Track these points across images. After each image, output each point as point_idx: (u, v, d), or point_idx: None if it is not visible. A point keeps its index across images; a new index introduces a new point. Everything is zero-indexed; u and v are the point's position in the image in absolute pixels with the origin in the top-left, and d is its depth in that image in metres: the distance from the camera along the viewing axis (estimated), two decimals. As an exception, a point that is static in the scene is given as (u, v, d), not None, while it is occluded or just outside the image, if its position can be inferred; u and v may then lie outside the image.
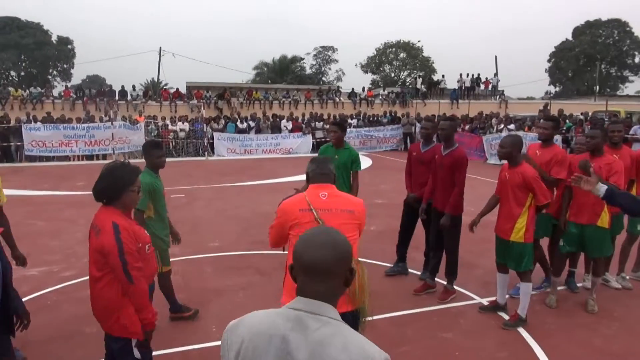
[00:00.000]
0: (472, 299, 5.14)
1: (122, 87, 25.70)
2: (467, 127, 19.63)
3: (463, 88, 30.43)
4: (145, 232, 2.87)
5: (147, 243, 2.77)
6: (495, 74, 31.98)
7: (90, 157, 17.84)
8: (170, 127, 19.26)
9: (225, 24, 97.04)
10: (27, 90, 25.03)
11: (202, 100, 25.63)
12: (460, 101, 29.43)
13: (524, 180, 4.27)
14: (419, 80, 32.07)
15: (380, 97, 29.74)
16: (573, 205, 4.80)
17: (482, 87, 31.22)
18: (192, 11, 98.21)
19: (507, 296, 4.81)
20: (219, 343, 3.50)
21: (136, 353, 2.70)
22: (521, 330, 4.36)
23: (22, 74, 45.77)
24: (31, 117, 18.47)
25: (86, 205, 8.06)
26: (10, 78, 44.61)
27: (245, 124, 20.38)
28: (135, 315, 2.66)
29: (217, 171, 14.89)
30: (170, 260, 5.42)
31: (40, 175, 13.90)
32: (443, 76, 33.70)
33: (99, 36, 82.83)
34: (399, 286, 5.56)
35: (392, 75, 56.80)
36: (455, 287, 5.24)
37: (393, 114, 24.14)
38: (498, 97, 31.11)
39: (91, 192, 2.75)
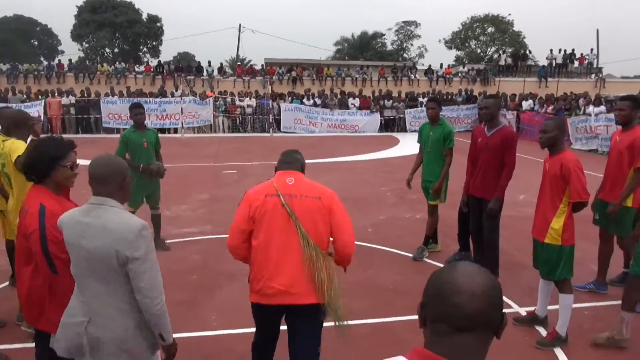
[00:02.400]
0: (510, 307, 4.44)
1: (199, 63, 26.37)
2: (550, 108, 17.86)
3: (554, 65, 27.84)
4: None
5: None
6: (592, 50, 28.87)
7: (162, 131, 18.49)
8: (237, 102, 19.41)
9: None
10: (113, 66, 26.45)
11: (273, 77, 25.67)
12: (550, 79, 26.98)
13: (561, 169, 3.55)
14: (503, 56, 29.77)
15: (460, 75, 28.06)
16: None
17: (577, 64, 28.39)
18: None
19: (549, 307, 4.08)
20: (215, 332, 3.79)
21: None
22: (558, 352, 3.65)
23: (116, 50, 48.58)
24: (109, 91, 19.42)
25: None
26: (105, 54, 47.55)
27: (311, 101, 20.05)
28: (62, 309, 2.26)
29: (276, 148, 14.60)
30: (199, 238, 6.19)
31: (114, 146, 14.54)
32: (530, 51, 31.09)
33: (186, 14, 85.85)
34: None
35: (479, 51, 53.64)
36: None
37: (469, 93, 22.63)
38: (594, 75, 28.18)
39: (22, 170, 2.53)
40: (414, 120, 19.47)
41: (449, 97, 22.35)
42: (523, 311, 4.30)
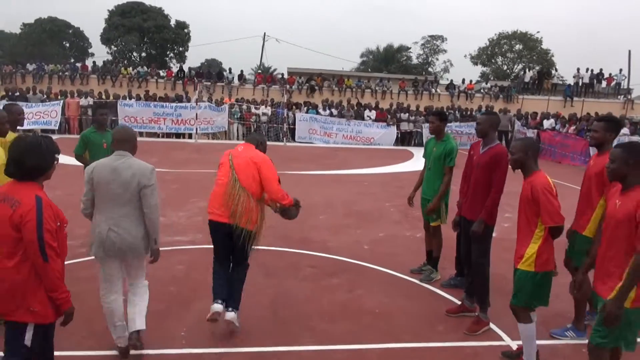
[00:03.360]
0: (500, 338, 4.13)
1: (219, 69, 26.53)
2: (572, 128, 17.31)
3: (580, 84, 27.15)
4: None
5: (65, 223, 2.69)
6: (621, 70, 28.04)
7: (177, 135, 18.57)
8: (253, 110, 19.37)
9: (334, 11, 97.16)
10: (135, 70, 26.82)
11: (293, 86, 25.65)
12: (575, 99, 26.28)
13: (532, 193, 3.35)
14: (529, 73, 29.15)
15: (482, 91, 27.59)
16: None
17: (604, 84, 27.61)
18: (305, 1, 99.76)
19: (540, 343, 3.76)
20: (179, 351, 3.82)
21: (27, 339, 2.57)
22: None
23: (143, 54, 49.45)
24: (126, 94, 19.60)
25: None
26: (132, 58, 48.42)
27: (327, 111, 19.89)
28: (47, 299, 2.55)
29: (288, 157, 14.57)
30: (187, 247, 6.11)
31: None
32: (556, 69, 30.42)
33: (214, 21, 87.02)
34: (431, 304, 4.75)
35: (505, 68, 52.93)
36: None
37: (490, 109, 22.16)
38: (622, 96, 27.35)
39: (13, 170, 2.60)
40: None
41: (468, 113, 21.93)
42: (514, 345, 3.97)
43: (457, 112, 21.87)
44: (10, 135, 4.42)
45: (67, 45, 55.55)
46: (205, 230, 6.88)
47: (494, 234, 4.44)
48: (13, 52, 45.46)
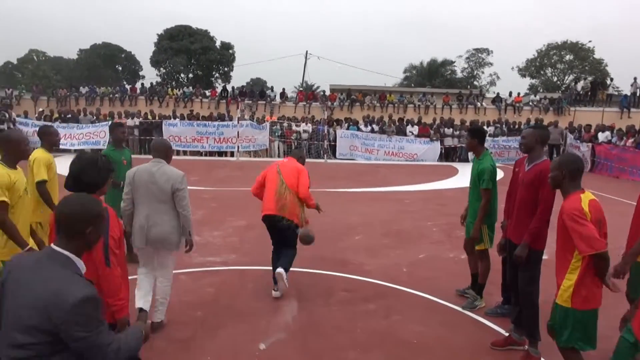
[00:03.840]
0: (551, 379, 3.69)
1: (262, 88, 26.85)
2: (630, 140, 16.24)
3: (638, 94, 25.63)
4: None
5: (122, 237, 2.93)
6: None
7: (220, 154, 18.79)
8: (294, 127, 19.36)
9: (377, 27, 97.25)
10: (181, 90, 27.56)
11: (334, 103, 25.59)
12: (633, 110, 24.80)
13: (560, 217, 3.03)
14: (580, 84, 27.81)
15: (531, 103, 26.56)
16: None
17: (665, 93, 25.93)
18: (347, 17, 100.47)
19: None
20: None
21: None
22: None
23: (190, 75, 51.01)
24: (171, 114, 20.07)
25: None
26: (180, 79, 50.02)
27: (368, 127, 19.62)
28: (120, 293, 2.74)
29: (328, 175, 14.37)
30: (219, 269, 6.00)
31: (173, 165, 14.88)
32: (612, 79, 28.89)
33: (258, 41, 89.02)
34: (474, 335, 4.35)
35: (555, 79, 51.06)
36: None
37: (539, 122, 21.20)
38: (685, 106, 25.59)
39: (71, 184, 2.79)
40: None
41: (516, 126, 21.08)
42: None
43: (504, 125, 21.05)
44: (39, 153, 4.57)
45: (120, 68, 58.13)
46: (241, 250, 6.80)
47: (544, 257, 4.01)
48: (70, 76, 47.99)
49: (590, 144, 17.61)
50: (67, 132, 17.13)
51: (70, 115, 19.33)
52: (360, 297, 5.26)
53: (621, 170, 15.83)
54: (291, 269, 5.49)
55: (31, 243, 3.84)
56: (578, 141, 18.31)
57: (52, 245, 2.08)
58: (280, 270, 4.92)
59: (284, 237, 5.18)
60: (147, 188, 4.17)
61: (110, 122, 18.33)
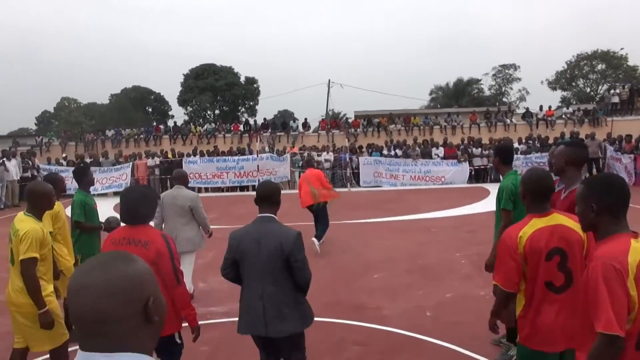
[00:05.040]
0: None
1: (283, 119, 26.66)
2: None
3: (680, 99, 24.14)
4: None
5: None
6: None
7: (241, 189, 18.44)
8: (315, 157, 18.86)
9: (401, 50, 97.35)
10: (205, 126, 27.66)
11: (357, 129, 25.09)
12: (676, 116, 23.34)
13: (587, 276, 2.06)
14: (614, 92, 26.37)
15: (564, 116, 25.35)
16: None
17: None
18: (371, 43, 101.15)
19: None
20: None
21: (178, 339, 3.30)
22: None
23: (217, 111, 51.77)
24: (191, 152, 19.95)
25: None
26: (207, 116, 50.77)
27: (392, 152, 18.94)
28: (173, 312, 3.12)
29: (350, 204, 13.69)
30: (220, 321, 5.44)
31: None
32: (650, 86, 27.39)
33: (279, 74, 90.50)
34: None
35: (588, 90, 49.29)
36: None
37: (575, 136, 20.04)
38: None
39: (124, 216, 3.22)
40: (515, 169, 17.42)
41: (550, 141, 19.95)
42: None
43: (537, 141, 19.97)
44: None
45: (150, 110, 59.68)
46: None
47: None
48: (102, 121, 49.41)
49: (632, 156, 16.38)
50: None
51: (92, 159, 19.42)
52: (375, 351, 4.54)
53: (670, 182, 14.57)
54: (319, 318, 4.86)
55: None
56: (619, 153, 17.08)
57: (260, 215, 3.28)
58: (314, 240, 8.02)
59: (322, 214, 8.51)
60: (171, 207, 5.87)
61: (131, 163, 18.39)
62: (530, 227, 2.63)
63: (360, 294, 6.18)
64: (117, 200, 15.54)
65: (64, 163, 19.56)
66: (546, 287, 2.57)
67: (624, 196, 2.09)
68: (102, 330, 1.07)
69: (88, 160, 19.56)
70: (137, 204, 3.15)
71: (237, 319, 5.45)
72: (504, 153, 4.35)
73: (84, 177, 5.36)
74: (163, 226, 5.84)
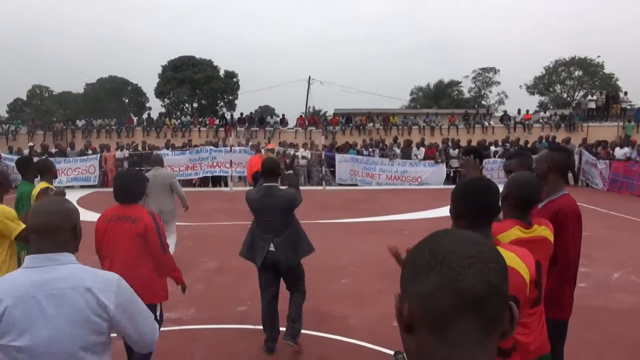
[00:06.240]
0: None
1: (261, 115, 26.17)
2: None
3: (654, 107, 24.45)
4: None
5: None
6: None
7: (214, 183, 17.88)
8: (291, 153, 18.45)
9: (386, 52, 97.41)
10: (179, 120, 26.95)
11: (336, 127, 24.75)
12: (649, 124, 23.61)
13: None
14: (593, 98, 26.61)
15: (541, 121, 25.45)
16: None
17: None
18: (357, 43, 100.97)
19: None
20: None
21: (158, 315, 3.56)
22: None
23: (195, 105, 50.78)
24: (163, 145, 19.32)
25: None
26: (185, 109, 49.77)
27: (369, 150, 18.64)
28: (165, 284, 3.63)
29: (323, 204, 13.33)
30: (169, 329, 4.89)
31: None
32: (626, 93, 27.74)
33: (264, 69, 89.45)
34: None
35: (565, 96, 49.98)
36: None
37: (552, 140, 20.06)
38: None
39: (119, 196, 3.58)
40: (486, 172, 17.29)
41: (528, 145, 19.93)
42: None
43: (515, 146, 19.89)
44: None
45: (127, 101, 58.31)
46: (202, 303, 5.75)
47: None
48: (76, 111, 48.02)
49: (608, 161, 16.41)
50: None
51: (57, 150, 18.61)
52: (336, 366, 4.16)
53: (644, 189, 14.61)
54: (260, 327, 4.50)
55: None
56: (594, 159, 17.11)
57: (265, 185, 4.32)
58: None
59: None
60: (154, 185, 6.56)
61: (99, 155, 17.65)
62: (509, 235, 2.31)
63: (326, 301, 5.81)
64: (83, 192, 14.50)
65: (26, 153, 18.70)
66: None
67: (482, 203, 1.94)
68: (53, 235, 1.76)
69: (54, 150, 18.74)
70: (131, 185, 3.59)
71: (188, 326, 5.06)
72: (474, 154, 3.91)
73: (27, 168, 5.05)
74: (148, 201, 6.47)
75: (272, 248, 4.23)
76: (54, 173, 5.15)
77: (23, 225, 3.45)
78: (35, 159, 6.15)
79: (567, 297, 2.74)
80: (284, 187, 4.51)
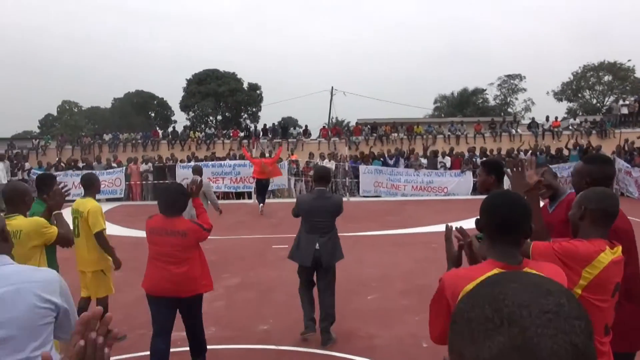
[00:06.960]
0: None
1: (285, 126, 26.17)
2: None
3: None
4: None
5: None
6: None
7: (237, 196, 17.84)
8: (314, 163, 18.30)
9: (408, 61, 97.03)
10: (204, 132, 27.16)
11: (359, 137, 24.54)
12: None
13: None
14: (625, 103, 25.72)
15: (571, 127, 24.72)
16: None
17: None
18: (377, 52, 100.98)
19: None
20: None
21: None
22: None
23: (219, 117, 51.33)
24: (186, 157, 19.41)
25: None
26: (209, 122, 50.34)
27: (393, 161, 18.36)
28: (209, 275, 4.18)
29: (347, 216, 12.97)
30: (178, 350, 4.77)
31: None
32: (660, 97, 26.76)
33: (285, 81, 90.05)
34: None
35: (594, 101, 48.70)
36: None
37: (585, 147, 19.38)
38: None
39: (165, 209, 3.93)
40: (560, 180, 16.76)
41: (559, 153, 19.31)
42: None
43: (544, 154, 19.32)
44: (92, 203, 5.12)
45: (153, 115, 59.31)
46: (223, 320, 5.58)
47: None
48: (104, 125, 49.08)
49: (643, 169, 15.75)
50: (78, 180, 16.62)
51: (85, 164, 18.91)
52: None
53: (684, 197, 13.93)
54: (284, 348, 4.30)
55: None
56: (629, 166, 16.44)
57: (317, 188, 4.86)
58: (261, 204, 8.83)
59: (266, 188, 14.20)
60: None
61: (124, 168, 17.82)
62: (606, 257, 2.04)
63: (351, 318, 5.57)
64: (109, 206, 14.51)
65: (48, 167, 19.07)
66: None
67: (500, 217, 1.79)
68: None
69: (81, 164, 19.05)
70: (175, 198, 3.83)
71: (208, 346, 4.88)
72: (491, 167, 3.41)
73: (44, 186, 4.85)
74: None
75: (317, 247, 4.64)
76: (97, 187, 5.28)
77: (55, 228, 3.55)
78: (58, 174, 6.11)
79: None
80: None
